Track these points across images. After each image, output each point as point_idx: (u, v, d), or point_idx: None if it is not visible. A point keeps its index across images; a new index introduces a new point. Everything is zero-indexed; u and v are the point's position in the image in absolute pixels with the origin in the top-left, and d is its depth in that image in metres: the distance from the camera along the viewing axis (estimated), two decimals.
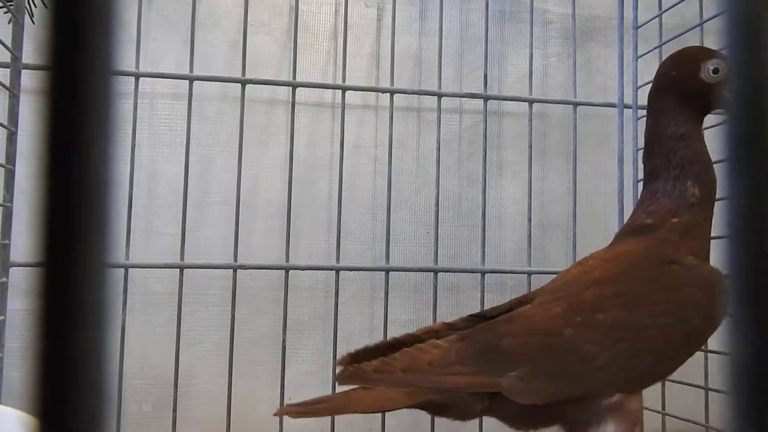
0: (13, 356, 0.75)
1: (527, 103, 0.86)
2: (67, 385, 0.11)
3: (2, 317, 0.69)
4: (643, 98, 0.84)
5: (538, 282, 0.88)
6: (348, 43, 0.86)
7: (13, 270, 0.71)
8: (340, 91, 0.83)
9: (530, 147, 0.85)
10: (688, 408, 0.82)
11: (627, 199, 0.83)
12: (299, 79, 0.83)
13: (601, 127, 0.92)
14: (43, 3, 0.79)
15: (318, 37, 0.88)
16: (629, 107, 0.84)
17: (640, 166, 0.82)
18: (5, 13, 0.73)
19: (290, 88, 0.82)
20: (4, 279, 0.70)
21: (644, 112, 0.84)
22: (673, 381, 0.80)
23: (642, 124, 0.84)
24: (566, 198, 0.88)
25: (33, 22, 0.78)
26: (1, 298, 0.69)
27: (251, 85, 0.80)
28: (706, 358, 0.84)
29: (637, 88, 0.83)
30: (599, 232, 0.91)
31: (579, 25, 0.91)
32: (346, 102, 0.83)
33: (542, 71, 0.92)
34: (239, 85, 0.79)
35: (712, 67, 0.58)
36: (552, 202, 0.92)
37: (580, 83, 0.90)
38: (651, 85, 0.65)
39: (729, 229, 0.14)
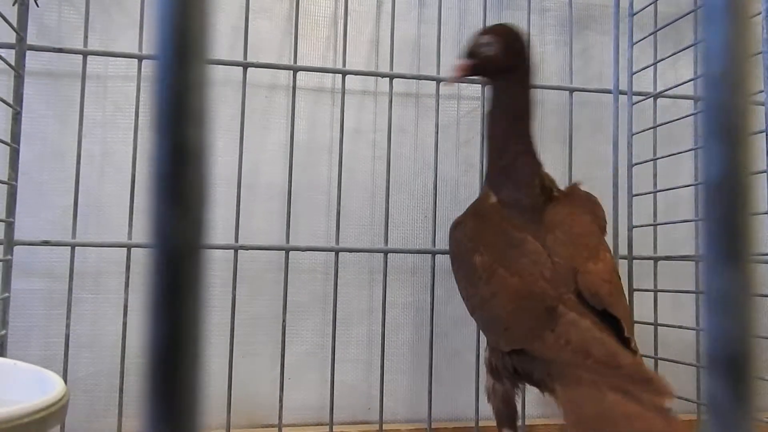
0: (18, 335, 0.76)
1: None
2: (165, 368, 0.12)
3: (7, 294, 0.70)
4: (638, 84, 0.86)
5: None
6: (348, 29, 0.87)
7: (17, 249, 0.72)
8: (340, 75, 0.84)
9: None
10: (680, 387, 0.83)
11: (621, 184, 0.85)
12: (300, 64, 0.84)
13: (597, 113, 0.94)
14: None
15: (318, 22, 0.89)
16: (624, 93, 0.85)
17: (635, 151, 0.84)
18: None
19: (291, 72, 0.83)
20: (9, 257, 0.70)
21: (639, 97, 0.86)
22: (665, 360, 0.82)
23: (637, 110, 0.86)
24: (562, 183, 0.89)
25: (37, 5, 0.79)
26: (6, 275, 0.70)
27: (252, 69, 0.81)
28: (698, 339, 0.85)
29: (632, 75, 0.84)
30: None
31: (575, 12, 0.92)
32: (346, 87, 0.84)
33: (539, 58, 0.94)
34: (241, 69, 0.80)
35: (486, 42, 0.70)
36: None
37: (577, 70, 0.92)
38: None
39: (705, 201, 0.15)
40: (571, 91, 0.88)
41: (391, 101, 0.84)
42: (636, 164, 0.84)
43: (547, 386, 0.57)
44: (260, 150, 0.86)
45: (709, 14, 0.14)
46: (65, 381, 0.73)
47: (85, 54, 0.77)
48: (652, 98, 0.87)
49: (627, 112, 0.85)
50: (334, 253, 0.82)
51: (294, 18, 0.84)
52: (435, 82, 0.86)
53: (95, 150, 0.81)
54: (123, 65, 0.82)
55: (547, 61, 0.93)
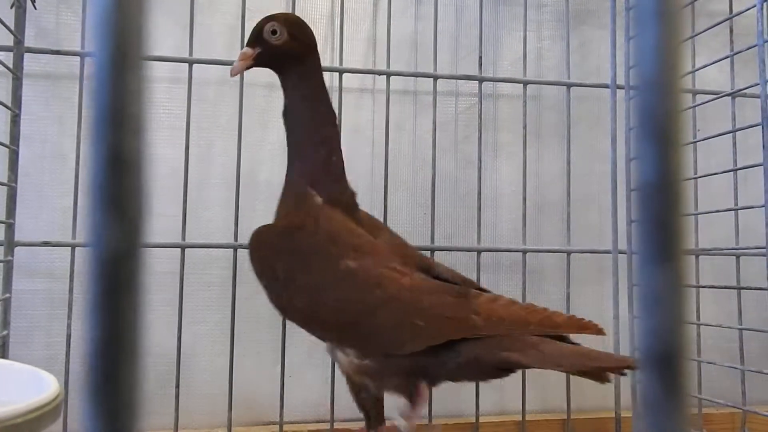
0: (19, 336, 0.77)
1: (522, 85, 0.87)
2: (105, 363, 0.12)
3: (8, 295, 0.70)
4: (635, 79, 0.85)
5: (534, 260, 0.90)
6: (345, 28, 0.87)
7: (18, 250, 0.73)
8: (338, 73, 0.84)
9: (525, 128, 0.87)
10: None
11: (620, 179, 0.85)
12: None
13: (595, 108, 0.94)
14: None
15: (315, 21, 0.89)
16: (622, 88, 0.85)
17: (633, 145, 0.84)
18: None
19: None
20: (10, 258, 0.71)
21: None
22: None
23: (634, 104, 0.85)
24: (561, 178, 0.89)
25: (35, 8, 0.79)
26: (7, 276, 0.71)
27: (251, 68, 0.81)
28: (698, 333, 0.85)
29: (629, 69, 0.84)
30: (593, 211, 0.93)
31: (572, 7, 0.92)
32: (343, 85, 0.84)
33: (536, 54, 0.94)
34: None
35: (270, 29, 0.65)
36: (547, 182, 0.93)
37: (574, 65, 0.91)
38: None
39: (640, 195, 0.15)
40: (569, 86, 0.88)
41: (388, 99, 0.84)
42: (634, 158, 0.83)
43: (483, 361, 0.59)
44: (259, 149, 0.86)
45: (640, 16, 0.14)
46: (67, 381, 0.74)
47: (82, 56, 0.78)
48: None
49: (624, 106, 0.85)
50: None
51: None
52: (432, 79, 0.86)
53: None
54: None
55: (545, 56, 0.93)
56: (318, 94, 0.66)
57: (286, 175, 0.67)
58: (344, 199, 0.66)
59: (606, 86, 0.87)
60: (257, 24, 0.66)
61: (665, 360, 0.15)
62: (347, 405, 0.84)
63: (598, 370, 0.59)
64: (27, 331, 0.78)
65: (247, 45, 0.66)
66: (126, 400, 0.11)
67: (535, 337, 0.57)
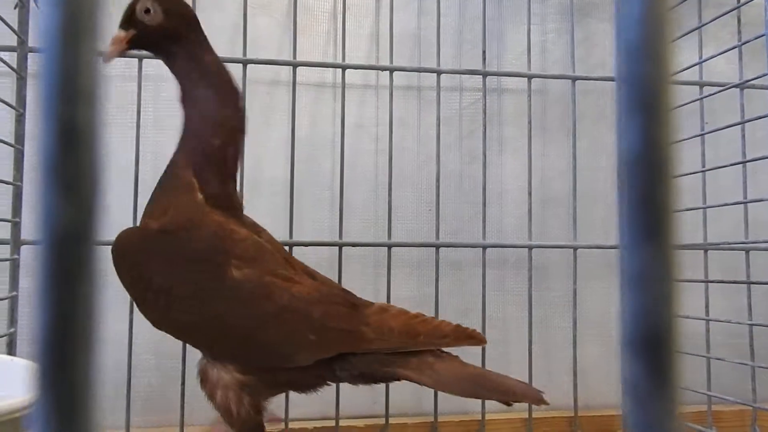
0: (26, 333, 0.77)
1: (526, 79, 0.87)
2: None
3: (15, 293, 0.71)
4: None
5: (540, 256, 0.89)
6: (347, 23, 0.87)
7: (24, 248, 0.73)
8: (341, 70, 0.84)
9: (530, 123, 0.86)
10: (688, 377, 0.82)
11: None
12: (300, 59, 0.84)
13: (600, 102, 0.93)
14: None
15: (318, 17, 0.89)
16: None
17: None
18: None
19: (291, 67, 0.83)
20: (16, 256, 0.72)
21: None
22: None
23: None
24: (566, 173, 0.88)
25: (38, 7, 0.80)
26: (14, 274, 0.71)
27: (253, 66, 0.81)
28: (707, 329, 0.84)
29: None
30: (599, 206, 0.92)
31: (576, 0, 0.91)
32: (346, 82, 0.84)
33: (541, 47, 0.93)
34: (241, 66, 0.80)
35: (143, 8, 0.59)
36: (552, 177, 0.93)
37: (579, 58, 0.91)
38: None
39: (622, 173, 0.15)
40: (574, 79, 0.87)
41: (391, 94, 0.84)
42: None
43: (375, 375, 0.58)
44: (262, 146, 0.86)
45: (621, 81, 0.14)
46: None
47: None
48: None
49: None
50: (337, 247, 0.82)
51: (293, 13, 0.84)
52: (436, 74, 0.85)
53: None
54: (123, 64, 0.82)
55: (549, 50, 0.93)
56: (211, 73, 0.60)
57: (169, 163, 0.61)
58: (229, 200, 0.61)
59: (611, 79, 0.86)
60: (129, 4, 0.59)
61: (651, 345, 0.14)
62: (352, 402, 0.84)
63: (493, 398, 0.59)
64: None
65: (120, 27, 0.59)
66: (80, 395, 0.11)
67: (431, 356, 0.57)
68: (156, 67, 0.84)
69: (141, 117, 0.79)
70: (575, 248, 0.86)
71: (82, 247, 0.11)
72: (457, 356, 0.59)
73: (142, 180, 0.78)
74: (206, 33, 0.85)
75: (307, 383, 0.59)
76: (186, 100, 0.61)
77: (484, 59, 0.87)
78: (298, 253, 0.82)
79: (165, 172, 0.61)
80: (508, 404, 0.58)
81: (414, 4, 0.91)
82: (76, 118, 0.11)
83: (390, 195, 0.83)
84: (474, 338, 0.58)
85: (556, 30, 0.93)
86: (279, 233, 0.83)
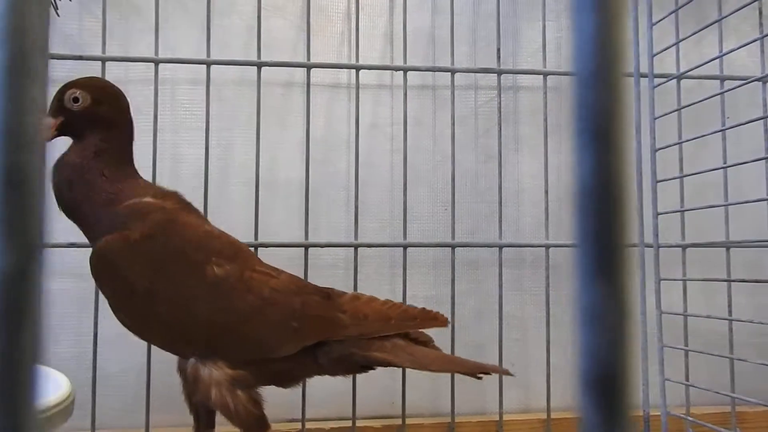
0: (50, 333, 0.79)
1: (542, 77, 0.86)
2: None
3: None
4: (658, 66, 0.83)
5: (557, 255, 0.88)
6: (361, 23, 0.87)
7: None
8: (355, 70, 0.84)
9: (545, 120, 0.85)
10: (712, 378, 0.81)
11: (645, 170, 0.83)
12: (314, 61, 0.84)
13: None
14: None
15: (332, 18, 0.89)
16: (645, 76, 0.83)
17: (658, 135, 0.82)
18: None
19: (305, 69, 0.83)
20: None
21: (661, 80, 0.83)
22: (696, 351, 0.79)
23: (660, 93, 0.83)
24: None
25: (57, 15, 0.81)
26: None
27: (268, 68, 0.82)
28: (730, 328, 0.83)
29: (652, 57, 0.82)
30: None
31: None
32: (361, 82, 0.84)
33: (556, 43, 0.92)
34: (255, 68, 0.81)
35: (71, 97, 0.61)
36: (569, 175, 0.91)
37: None
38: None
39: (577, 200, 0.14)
40: None
41: (405, 94, 0.84)
42: (659, 149, 0.81)
43: (354, 360, 0.61)
44: (278, 148, 0.87)
45: (578, 5, 0.14)
46: (95, 377, 0.76)
47: (103, 60, 0.79)
48: (675, 80, 0.84)
49: (648, 95, 0.82)
50: (353, 248, 0.82)
51: (306, 15, 0.84)
52: (450, 73, 0.85)
53: None
54: (141, 69, 0.83)
55: (565, 46, 0.91)
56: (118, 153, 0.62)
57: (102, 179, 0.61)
58: (184, 200, 0.64)
59: (629, 75, 0.85)
60: (58, 91, 0.62)
61: (604, 383, 0.14)
62: (369, 402, 0.84)
63: (464, 372, 0.63)
64: (56, 329, 0.81)
65: (49, 114, 0.61)
66: (19, 417, 0.11)
67: (401, 341, 0.61)
68: (172, 71, 0.85)
69: (158, 120, 0.79)
70: None
71: (24, 287, 0.11)
72: (426, 342, 0.63)
73: (158, 182, 0.79)
74: (221, 36, 0.86)
75: (293, 374, 0.62)
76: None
77: (498, 57, 0.86)
78: (313, 254, 0.82)
79: (105, 201, 0.61)
80: (478, 377, 0.63)
81: (428, 3, 0.91)
82: (18, 160, 0.11)
83: (405, 195, 0.83)
84: (437, 320, 0.63)
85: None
86: (295, 234, 0.84)
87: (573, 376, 0.14)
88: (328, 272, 0.86)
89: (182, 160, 0.86)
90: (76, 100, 0.61)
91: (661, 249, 0.82)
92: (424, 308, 0.63)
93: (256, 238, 0.79)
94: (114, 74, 0.83)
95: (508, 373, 0.64)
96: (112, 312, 0.60)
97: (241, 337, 0.59)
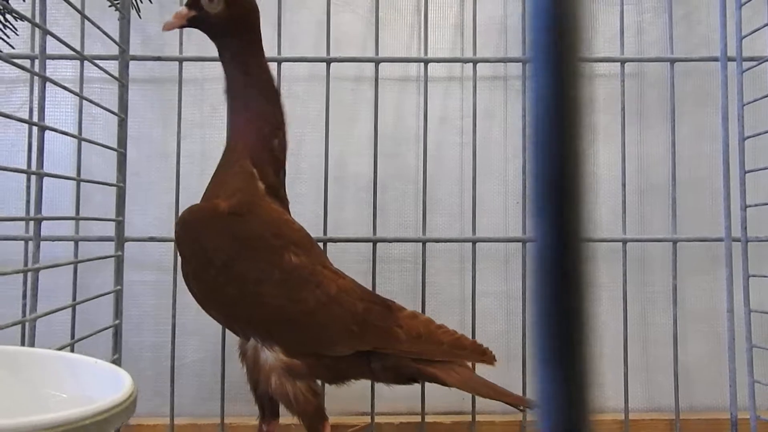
0: (132, 323, 0.83)
1: (619, 64, 0.82)
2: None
3: (119, 287, 0.76)
4: (748, 49, 0.78)
5: (636, 248, 0.84)
6: (431, 15, 0.86)
7: (128, 244, 0.79)
8: (423, 64, 0.83)
9: (623, 109, 0.82)
10: None
11: (732, 160, 0.78)
12: (383, 53, 0.84)
13: (704, 84, 0.86)
14: None
15: (401, 11, 0.89)
16: (733, 60, 0.78)
17: (747, 123, 0.77)
18: (115, 10, 0.79)
19: (374, 64, 0.83)
20: (120, 253, 0.77)
21: (750, 64, 0.78)
22: None
23: (748, 78, 0.78)
24: (665, 160, 0.83)
25: (140, 17, 0.85)
26: (118, 270, 0.76)
27: (337, 63, 0.82)
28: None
29: (741, 39, 0.76)
30: (703, 195, 0.86)
31: None
32: (430, 74, 0.83)
33: (636, 28, 0.88)
34: (324, 64, 0.82)
35: None
36: (650, 165, 0.87)
37: (680, 37, 0.85)
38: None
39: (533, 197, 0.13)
40: (672, 61, 0.82)
41: (475, 86, 0.82)
42: (748, 137, 0.76)
43: (405, 372, 0.61)
44: (347, 142, 0.87)
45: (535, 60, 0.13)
46: (173, 365, 0.79)
47: (180, 60, 0.82)
48: (765, 63, 0.78)
49: (736, 80, 0.77)
50: (421, 243, 0.81)
51: (375, 9, 0.84)
52: (521, 64, 0.83)
53: (195, 149, 0.87)
54: (217, 68, 0.86)
55: (646, 30, 0.87)
56: (257, 72, 0.65)
57: (226, 152, 0.65)
58: (280, 191, 0.65)
59: (715, 59, 0.80)
60: None
61: None
62: (440, 398, 0.83)
63: (508, 402, 0.63)
64: (138, 319, 0.85)
65: (185, 5, 0.65)
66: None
67: (453, 364, 0.62)
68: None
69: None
70: (675, 241, 0.81)
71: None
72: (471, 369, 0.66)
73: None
74: (292, 31, 0.87)
75: (344, 373, 0.63)
76: (232, 93, 0.66)
77: None
78: (382, 248, 0.82)
79: (225, 158, 0.65)
80: (521, 409, 0.66)
81: None
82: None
83: (474, 189, 0.81)
84: (486, 355, 0.63)
85: (653, 9, 0.88)
86: (364, 228, 0.84)
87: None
88: (397, 266, 0.86)
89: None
90: (212, 1, 0.64)
91: (749, 243, 0.77)
92: (475, 341, 0.64)
93: (325, 233, 0.80)
94: (191, 73, 0.86)
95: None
96: (184, 280, 0.61)
97: (303, 328, 0.59)
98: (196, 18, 0.64)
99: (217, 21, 0.64)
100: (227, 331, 0.79)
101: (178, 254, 0.61)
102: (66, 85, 0.66)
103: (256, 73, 0.65)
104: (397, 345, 0.60)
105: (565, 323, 0.12)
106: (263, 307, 0.59)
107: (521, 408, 0.64)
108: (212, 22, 0.64)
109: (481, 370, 0.66)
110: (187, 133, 0.84)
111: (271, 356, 0.59)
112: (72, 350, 0.69)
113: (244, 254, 0.59)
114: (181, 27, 0.66)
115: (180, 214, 0.62)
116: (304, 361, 0.59)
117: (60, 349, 0.63)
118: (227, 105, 0.66)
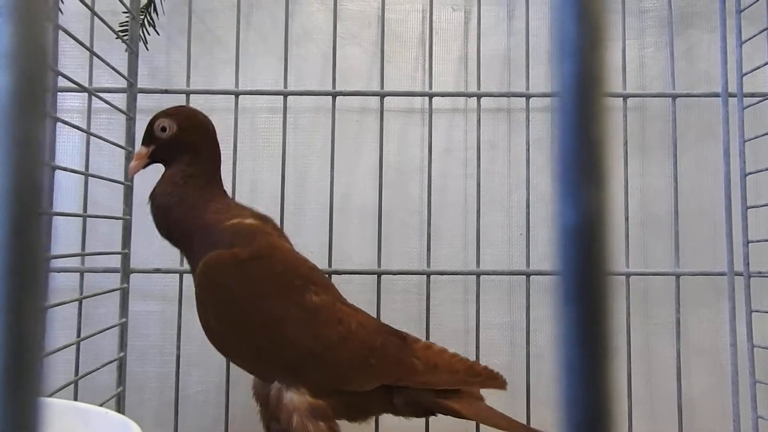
0: (136, 353, 0.83)
1: (621, 99, 0.83)
2: None
3: (124, 320, 0.76)
4: (748, 86, 0.79)
5: (638, 282, 0.85)
6: (436, 48, 0.87)
7: (133, 276, 0.79)
8: (428, 98, 0.84)
9: (625, 144, 0.82)
10: None
11: (734, 194, 0.78)
12: (389, 86, 0.85)
13: (706, 117, 0.87)
14: (156, 31, 0.87)
15: (406, 44, 0.90)
16: (734, 96, 0.78)
17: (748, 158, 0.77)
18: (122, 42, 0.80)
19: (379, 97, 0.84)
20: (126, 285, 0.77)
21: (751, 100, 0.78)
22: None
23: (748, 114, 0.79)
24: (667, 194, 0.84)
25: (147, 49, 0.86)
26: (124, 302, 0.77)
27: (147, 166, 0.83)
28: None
29: (741, 76, 0.77)
30: (705, 228, 0.87)
31: (678, 11, 0.86)
32: (435, 106, 0.84)
33: (638, 63, 0.89)
34: (330, 98, 0.83)
35: (160, 126, 0.66)
36: (652, 198, 0.88)
37: (682, 72, 0.86)
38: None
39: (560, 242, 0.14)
40: (674, 97, 0.82)
41: (479, 120, 0.83)
42: (750, 173, 0.77)
43: (426, 405, 0.63)
44: (352, 173, 0.88)
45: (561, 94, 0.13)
46: (177, 397, 0.79)
47: (187, 93, 0.83)
48: (767, 100, 0.79)
49: (737, 116, 0.78)
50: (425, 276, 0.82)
51: (381, 42, 0.85)
52: (524, 98, 0.83)
53: None
54: (223, 99, 0.87)
55: (647, 65, 0.88)
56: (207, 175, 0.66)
57: (214, 206, 0.65)
58: (277, 225, 0.68)
59: (716, 95, 0.81)
60: (149, 121, 0.67)
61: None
62: (442, 430, 0.83)
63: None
64: (142, 349, 0.85)
65: (142, 144, 0.67)
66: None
67: (469, 396, 0.63)
68: (251, 100, 0.88)
69: (238, 149, 0.82)
70: (678, 275, 0.81)
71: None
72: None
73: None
74: (299, 64, 0.89)
75: (366, 409, 0.64)
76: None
77: None
78: (386, 279, 0.83)
79: (214, 212, 0.65)
80: None
81: (503, 26, 0.90)
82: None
83: (478, 220, 0.82)
84: (498, 380, 0.65)
85: (654, 44, 0.89)
86: (369, 259, 0.85)
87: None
88: (401, 297, 0.86)
89: (260, 187, 0.89)
90: (164, 129, 0.66)
91: (752, 278, 0.77)
92: (486, 366, 0.65)
93: (330, 264, 0.81)
94: (198, 104, 0.87)
95: None
96: (202, 326, 0.61)
97: (326, 364, 0.60)
98: (155, 151, 0.66)
99: (173, 145, 0.66)
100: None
101: (199, 303, 0.61)
102: (74, 115, 0.67)
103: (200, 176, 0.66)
104: (414, 377, 0.61)
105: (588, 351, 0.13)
106: (289, 348, 0.60)
107: None
108: (168, 148, 0.66)
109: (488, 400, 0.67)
110: None
111: (296, 397, 0.59)
112: (76, 386, 0.69)
113: (269, 297, 0.60)
114: (145, 167, 0.68)
115: (202, 262, 0.61)
116: (328, 401, 0.60)
117: (65, 386, 0.63)
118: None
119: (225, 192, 0.68)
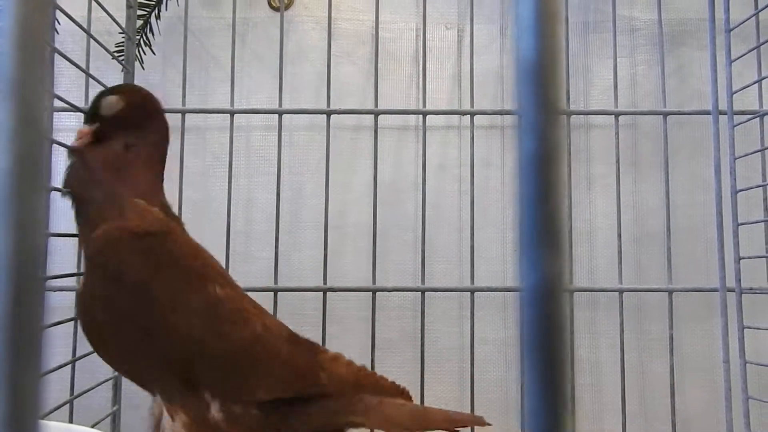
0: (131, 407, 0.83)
1: (613, 117, 0.84)
2: None
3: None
4: (738, 103, 0.79)
5: (631, 298, 0.85)
6: (429, 66, 0.87)
7: None
8: (421, 116, 0.85)
9: (617, 161, 0.83)
10: None
11: (726, 210, 0.79)
12: (383, 104, 0.85)
13: (697, 134, 0.88)
14: (152, 51, 0.87)
15: (400, 62, 0.91)
16: (725, 113, 0.79)
17: (739, 174, 0.78)
18: (117, 62, 0.81)
19: (373, 115, 0.84)
20: None
21: (741, 118, 0.79)
22: None
23: (739, 131, 0.79)
24: (660, 210, 0.84)
25: (143, 68, 0.86)
26: None
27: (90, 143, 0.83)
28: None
29: (732, 94, 0.78)
30: (697, 244, 0.87)
31: (669, 29, 0.87)
32: (429, 123, 0.85)
33: (630, 80, 0.90)
34: (325, 116, 0.83)
35: (106, 103, 0.60)
36: (645, 215, 0.88)
37: (673, 90, 0.86)
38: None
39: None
40: (665, 115, 0.83)
41: (472, 138, 0.83)
42: (740, 190, 0.77)
43: (333, 423, 0.55)
44: (347, 191, 0.89)
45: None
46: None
47: (183, 112, 0.83)
48: (757, 118, 0.80)
49: (728, 133, 0.79)
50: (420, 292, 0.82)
51: (375, 60, 0.85)
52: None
53: (197, 198, 0.88)
54: (218, 118, 0.87)
55: (639, 82, 0.89)
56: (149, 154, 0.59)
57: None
58: (184, 228, 0.59)
59: (707, 113, 0.82)
60: (93, 99, 0.61)
61: None
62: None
63: (440, 428, 0.58)
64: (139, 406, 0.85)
65: (84, 122, 0.61)
66: None
67: (375, 398, 0.56)
68: (246, 118, 0.89)
69: (233, 167, 0.83)
70: (670, 291, 0.81)
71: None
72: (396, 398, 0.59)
73: (234, 227, 0.82)
74: (294, 83, 0.89)
75: (258, 425, 0.54)
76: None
77: (567, 98, 0.85)
78: (381, 295, 0.83)
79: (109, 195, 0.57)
80: None
81: (496, 44, 0.91)
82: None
83: (472, 237, 0.82)
84: (404, 394, 0.59)
85: (646, 62, 0.90)
86: (364, 276, 0.85)
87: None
88: (396, 314, 0.87)
89: (256, 204, 0.89)
90: (110, 106, 0.60)
91: (744, 295, 0.77)
92: (394, 382, 0.59)
93: (325, 282, 0.81)
94: (194, 122, 0.88)
95: (483, 423, 0.58)
96: (83, 331, 0.53)
97: (228, 367, 0.53)
98: (100, 129, 0.59)
99: (117, 121, 0.59)
100: None
101: (86, 290, 0.53)
102: (70, 135, 0.67)
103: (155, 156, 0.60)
104: (318, 390, 0.55)
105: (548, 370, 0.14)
106: (182, 342, 0.51)
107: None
108: (113, 125, 0.59)
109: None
110: (188, 182, 0.85)
111: (177, 424, 0.52)
112: (72, 406, 0.69)
113: (164, 277, 0.52)
114: (88, 143, 0.60)
115: (94, 235, 0.53)
116: (238, 411, 0.53)
117: (61, 405, 0.63)
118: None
119: (161, 186, 0.60)
